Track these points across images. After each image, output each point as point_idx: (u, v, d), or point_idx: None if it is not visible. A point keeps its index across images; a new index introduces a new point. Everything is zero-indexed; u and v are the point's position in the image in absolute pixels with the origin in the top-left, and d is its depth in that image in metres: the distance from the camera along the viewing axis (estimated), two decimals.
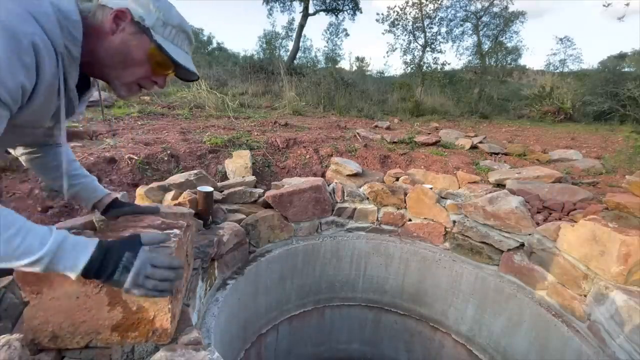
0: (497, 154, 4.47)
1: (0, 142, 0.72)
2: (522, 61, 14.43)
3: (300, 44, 14.52)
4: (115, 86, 0.84)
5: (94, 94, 0.98)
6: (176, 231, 1.03)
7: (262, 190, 2.35)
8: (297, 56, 14.48)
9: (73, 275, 0.71)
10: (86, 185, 1.09)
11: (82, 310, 0.84)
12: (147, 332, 0.90)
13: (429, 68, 11.09)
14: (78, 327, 0.85)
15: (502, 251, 2.22)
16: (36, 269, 0.67)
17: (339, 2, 13.99)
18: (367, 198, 2.58)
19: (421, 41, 11.39)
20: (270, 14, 14.56)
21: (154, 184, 1.97)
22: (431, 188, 2.57)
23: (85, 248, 0.72)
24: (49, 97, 0.73)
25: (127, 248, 0.77)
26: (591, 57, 22.66)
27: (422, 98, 9.81)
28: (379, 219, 2.60)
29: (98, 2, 0.79)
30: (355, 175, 3.09)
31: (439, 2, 10.81)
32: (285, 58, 13.40)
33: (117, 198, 1.14)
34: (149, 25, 0.79)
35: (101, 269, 0.72)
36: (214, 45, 19.85)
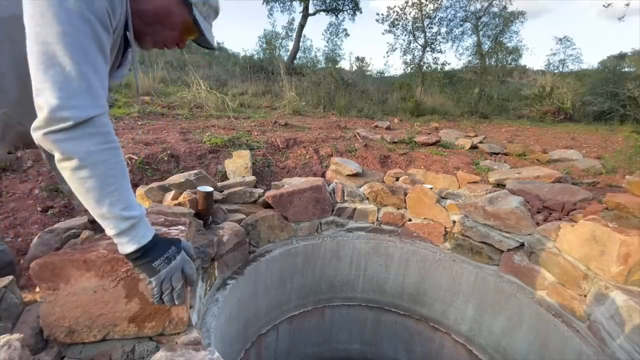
0: (497, 154, 4.47)
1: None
2: (522, 61, 14.42)
3: (300, 44, 14.51)
4: (145, 40, 0.95)
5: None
6: (181, 227, 1.07)
7: (262, 190, 2.35)
8: (297, 56, 14.47)
9: (133, 247, 0.76)
10: None
11: (100, 303, 0.86)
12: (164, 321, 0.92)
13: (429, 68, 11.11)
14: (95, 321, 0.87)
15: (502, 251, 2.22)
16: (121, 225, 0.73)
17: (339, 2, 13.99)
18: (367, 198, 2.58)
19: (421, 41, 11.41)
20: (271, 14, 14.59)
21: (154, 184, 1.97)
22: (431, 188, 2.57)
23: (151, 228, 0.81)
24: (116, 40, 0.83)
25: (173, 244, 0.86)
26: (591, 57, 22.63)
27: (422, 98, 9.80)
28: (379, 219, 2.60)
29: None
30: (355, 175, 3.09)
31: (439, 2, 10.83)
32: (285, 58, 13.39)
33: None
34: (192, 2, 0.93)
35: (150, 250, 0.79)
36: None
